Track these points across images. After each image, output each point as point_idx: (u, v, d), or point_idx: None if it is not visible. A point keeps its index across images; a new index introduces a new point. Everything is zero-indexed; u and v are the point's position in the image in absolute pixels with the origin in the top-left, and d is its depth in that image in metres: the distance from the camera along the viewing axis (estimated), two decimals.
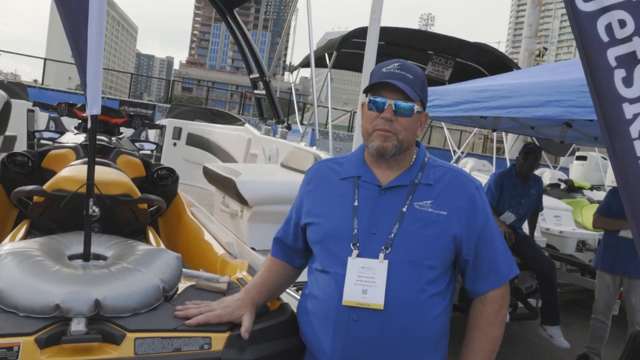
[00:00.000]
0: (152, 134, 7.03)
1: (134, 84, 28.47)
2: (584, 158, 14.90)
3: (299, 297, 2.48)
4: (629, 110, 1.55)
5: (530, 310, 5.13)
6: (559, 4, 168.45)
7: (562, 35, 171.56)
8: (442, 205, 1.68)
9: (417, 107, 1.69)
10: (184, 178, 4.82)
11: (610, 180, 13.88)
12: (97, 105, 1.91)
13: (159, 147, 6.43)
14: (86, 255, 1.96)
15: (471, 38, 7.55)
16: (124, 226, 2.74)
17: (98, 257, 2.06)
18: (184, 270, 2.09)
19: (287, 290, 2.70)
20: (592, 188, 10.79)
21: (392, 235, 1.64)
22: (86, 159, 3.03)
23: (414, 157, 1.78)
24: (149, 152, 4.80)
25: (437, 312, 1.66)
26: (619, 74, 1.56)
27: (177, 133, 7.00)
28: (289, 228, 1.92)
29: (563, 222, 7.76)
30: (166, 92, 28.49)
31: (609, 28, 1.57)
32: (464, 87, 4.50)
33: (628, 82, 1.55)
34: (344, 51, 7.12)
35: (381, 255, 1.63)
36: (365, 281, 1.61)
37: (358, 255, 1.64)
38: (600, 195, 10.52)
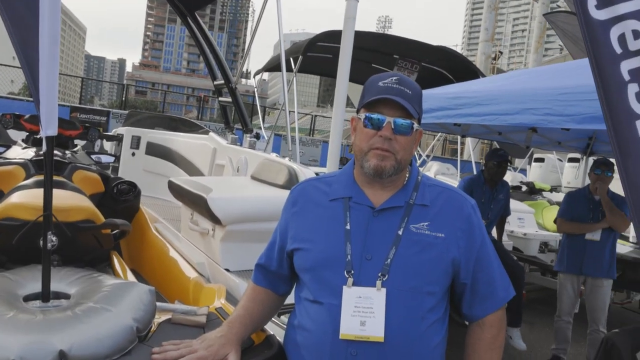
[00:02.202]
0: (109, 143, 6.74)
1: (84, 87, 27.55)
2: (541, 160, 15.28)
3: (283, 325, 2.32)
4: None
5: None
6: (511, 8, 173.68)
7: (514, 39, 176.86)
8: (440, 227, 1.58)
9: (415, 125, 1.58)
10: (145, 190, 4.57)
11: (566, 181, 14.28)
12: (53, 124, 1.68)
13: (117, 159, 6.16)
14: (45, 296, 1.74)
15: (429, 41, 7.52)
16: (85, 254, 2.52)
17: (59, 295, 1.84)
18: (157, 304, 1.89)
19: None
20: (551, 190, 11.02)
21: (389, 260, 1.53)
22: (38, 179, 2.78)
23: (407, 175, 1.67)
24: (106, 164, 4.55)
25: (438, 340, 1.57)
26: (633, 89, 1.46)
27: (136, 142, 6.70)
28: (272, 253, 1.77)
29: (526, 224, 7.89)
30: (119, 97, 27.71)
31: (622, 39, 1.47)
32: (437, 93, 4.44)
33: None
34: (308, 55, 6.98)
35: (378, 282, 1.51)
36: (363, 312, 1.50)
37: (354, 284, 1.52)
38: (559, 197, 10.79)
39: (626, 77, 1.47)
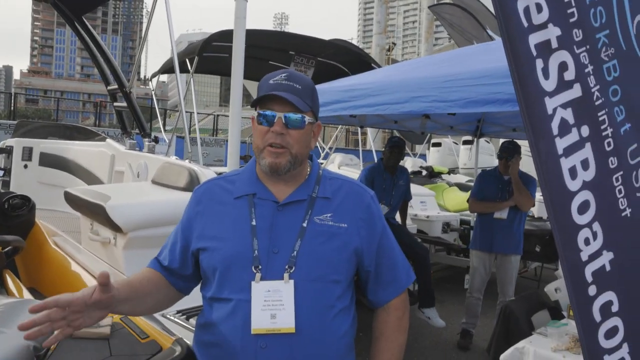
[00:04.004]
0: None
1: None
2: (439, 145, 16.02)
3: (190, 327, 2.33)
4: (549, 104, 1.45)
5: (411, 296, 5.36)
6: (401, 1, 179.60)
7: (406, 30, 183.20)
8: (342, 217, 1.64)
9: (308, 118, 1.62)
10: (42, 203, 4.37)
11: (462, 163, 15.09)
12: None
13: (7, 172, 5.80)
14: None
15: (326, 36, 7.70)
16: None
17: None
18: None
19: (176, 319, 2.55)
20: (449, 172, 11.60)
21: (295, 252, 1.57)
22: None
23: (309, 170, 1.73)
24: None
25: (346, 328, 1.63)
26: (539, 64, 1.44)
27: (28, 153, 6.32)
28: (174, 255, 1.73)
29: (428, 207, 8.24)
30: (7, 106, 25.97)
31: (527, 12, 1.43)
32: (332, 87, 4.57)
33: (546, 73, 1.45)
34: (205, 55, 6.92)
35: (286, 275, 1.55)
36: (273, 305, 1.53)
37: (262, 279, 1.55)
38: (457, 178, 11.41)
39: (534, 51, 1.44)
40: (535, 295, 4.05)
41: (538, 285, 6.77)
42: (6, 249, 2.64)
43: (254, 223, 1.61)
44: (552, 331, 3.07)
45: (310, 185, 1.69)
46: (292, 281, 1.55)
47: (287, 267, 1.56)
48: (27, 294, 2.47)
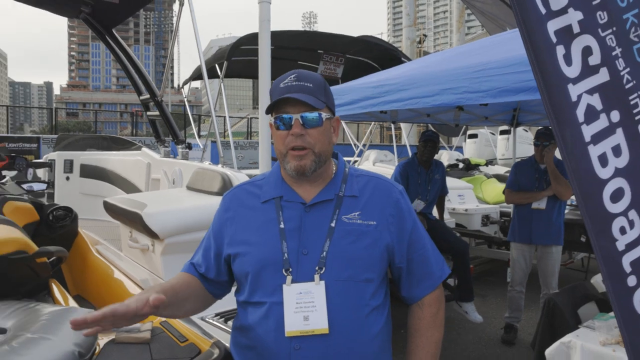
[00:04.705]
0: (41, 170, 6.54)
1: (11, 115, 26.56)
2: (475, 136, 15.77)
3: (228, 329, 2.35)
4: (573, 91, 1.41)
5: (451, 292, 5.29)
6: None
7: (437, 21, 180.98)
8: (370, 215, 1.63)
9: (324, 115, 1.61)
10: (84, 213, 4.49)
11: (500, 154, 14.80)
12: None
13: (51, 184, 5.99)
14: None
15: (355, 32, 7.72)
16: (21, 286, 2.46)
17: None
18: None
19: (214, 321, 2.58)
20: (487, 164, 11.40)
21: (324, 253, 1.56)
22: None
23: (334, 169, 1.72)
24: (40, 192, 4.44)
25: (380, 326, 1.61)
26: (560, 51, 1.40)
27: (69, 166, 6.53)
28: (209, 263, 1.74)
29: (467, 200, 8.11)
30: (49, 121, 26.80)
31: None
32: (361, 84, 4.54)
33: (568, 59, 1.40)
34: (234, 59, 6.99)
35: (316, 276, 1.55)
36: (305, 307, 1.53)
37: (292, 281, 1.55)
38: (495, 170, 11.20)
39: (553, 38, 1.40)
40: (581, 287, 3.92)
41: (585, 276, 6.55)
42: (51, 259, 2.72)
43: (282, 226, 1.61)
44: (601, 324, 2.93)
45: (336, 184, 1.67)
46: (322, 282, 1.54)
47: (317, 268, 1.55)
48: (72, 302, 2.55)
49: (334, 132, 1.69)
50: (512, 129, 7.74)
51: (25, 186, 4.09)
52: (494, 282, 6.87)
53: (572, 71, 1.40)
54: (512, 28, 5.08)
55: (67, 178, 6.56)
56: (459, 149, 16.37)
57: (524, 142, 12.75)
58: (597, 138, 1.41)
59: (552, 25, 1.39)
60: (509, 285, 5.12)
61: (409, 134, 13.04)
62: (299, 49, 7.56)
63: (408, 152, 10.66)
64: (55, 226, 3.47)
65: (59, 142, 7.67)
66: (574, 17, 1.39)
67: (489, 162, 12.07)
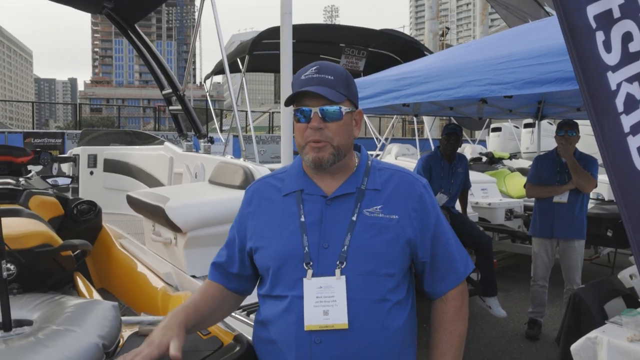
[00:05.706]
0: (66, 165, 6.64)
1: (37, 111, 26.98)
2: (498, 129, 15.58)
3: (251, 323, 2.35)
4: (612, 79, 1.35)
5: (474, 286, 5.25)
6: None
7: (460, 14, 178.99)
8: (393, 209, 1.60)
9: (345, 108, 1.59)
10: (108, 207, 4.54)
11: (524, 147, 14.60)
12: None
13: (75, 179, 6.07)
14: (6, 325, 1.73)
15: (377, 25, 7.67)
16: (46, 279, 2.50)
17: (22, 323, 1.82)
18: (123, 318, 1.90)
19: (237, 315, 2.58)
20: (510, 157, 11.26)
21: (345, 247, 1.54)
22: None
23: (357, 161, 1.70)
24: (64, 186, 4.49)
25: (401, 321, 1.59)
26: (600, 37, 1.35)
27: (93, 161, 6.62)
28: (233, 255, 1.75)
29: (490, 194, 8.03)
30: (74, 117, 27.25)
31: None
32: (382, 77, 4.51)
33: (607, 46, 1.35)
34: (255, 53, 7.00)
35: (337, 271, 1.53)
36: (325, 301, 1.51)
37: (313, 275, 1.54)
38: (519, 163, 11.05)
39: (593, 24, 1.34)
40: (607, 282, 3.85)
41: (612, 271, 6.44)
42: (75, 253, 2.76)
43: (302, 219, 1.60)
44: (628, 320, 2.86)
45: (358, 178, 1.65)
46: (343, 277, 1.53)
47: (338, 262, 1.54)
48: (96, 295, 2.58)
49: (355, 125, 1.67)
50: (536, 121, 7.63)
51: (50, 180, 4.15)
52: (517, 276, 6.79)
53: (611, 58, 1.35)
54: (533, 20, 4.99)
55: (91, 173, 6.65)
56: (482, 142, 16.19)
57: (548, 136, 12.50)
58: (637, 129, 1.36)
59: (592, 10, 1.34)
60: (532, 279, 5.06)
61: (431, 128, 12.92)
62: (320, 42, 7.54)
63: (430, 145, 10.59)
64: (79, 220, 3.51)
65: (82, 137, 7.78)
66: (614, 1, 1.34)
67: (513, 156, 11.92)
